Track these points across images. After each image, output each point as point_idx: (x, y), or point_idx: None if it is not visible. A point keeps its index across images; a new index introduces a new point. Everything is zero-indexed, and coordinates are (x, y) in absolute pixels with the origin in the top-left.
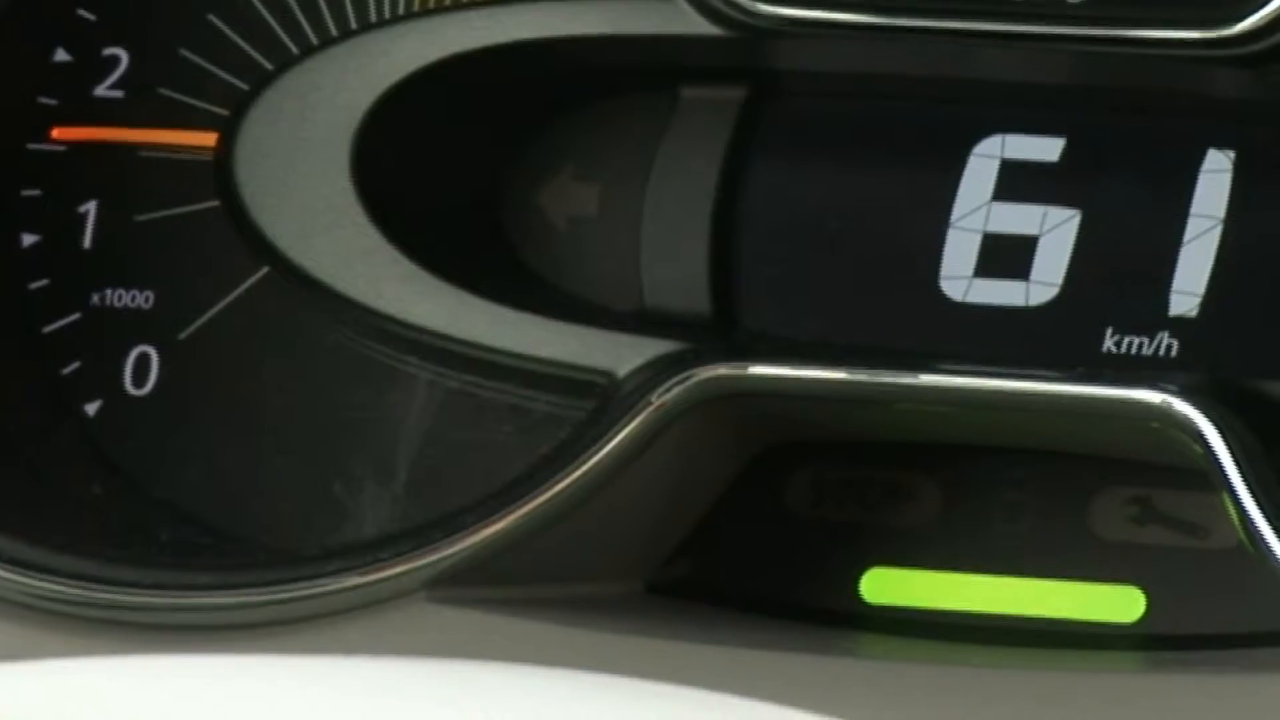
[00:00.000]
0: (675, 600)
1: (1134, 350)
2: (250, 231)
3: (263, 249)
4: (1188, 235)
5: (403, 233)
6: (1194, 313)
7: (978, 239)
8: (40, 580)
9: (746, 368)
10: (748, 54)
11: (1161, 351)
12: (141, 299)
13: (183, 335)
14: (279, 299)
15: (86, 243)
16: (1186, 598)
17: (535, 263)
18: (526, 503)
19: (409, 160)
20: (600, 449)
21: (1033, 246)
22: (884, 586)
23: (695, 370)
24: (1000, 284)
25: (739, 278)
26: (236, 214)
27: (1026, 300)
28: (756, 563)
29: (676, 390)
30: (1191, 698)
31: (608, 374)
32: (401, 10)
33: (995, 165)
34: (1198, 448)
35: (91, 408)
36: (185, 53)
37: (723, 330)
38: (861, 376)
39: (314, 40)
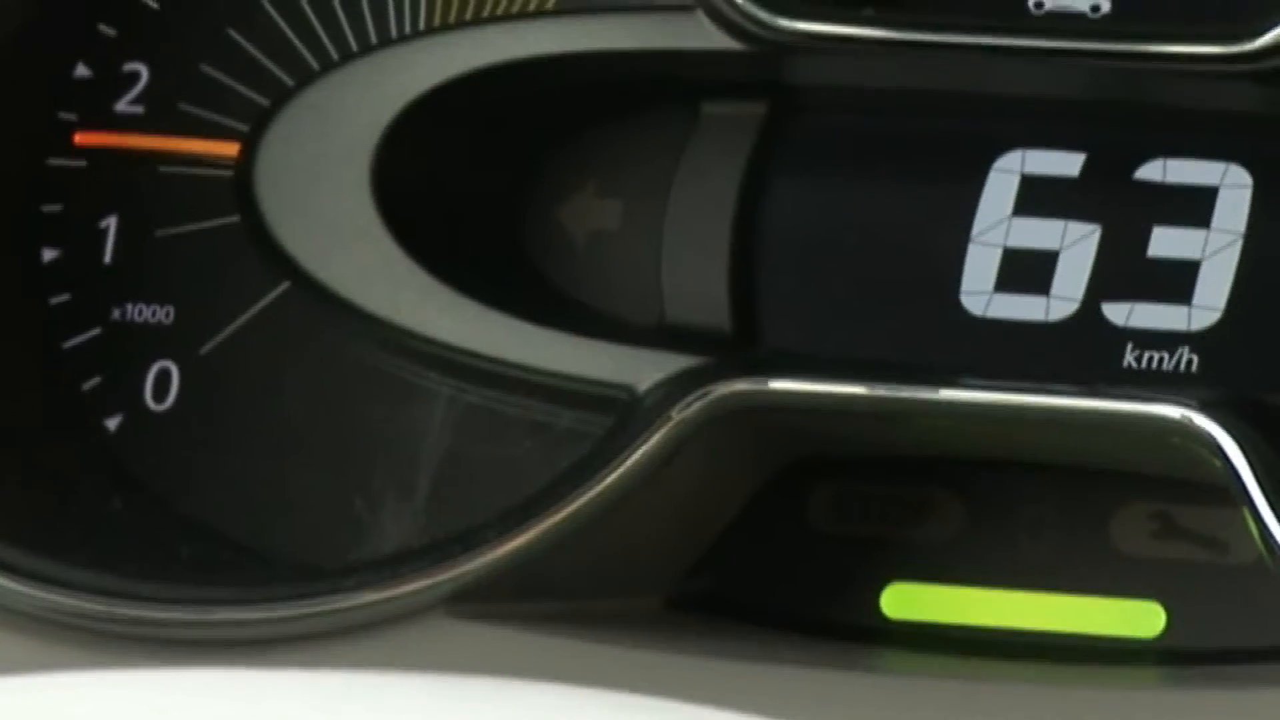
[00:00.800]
0: (695, 616)
1: (1154, 365)
2: (270, 247)
3: (283, 264)
4: (1208, 250)
5: (423, 248)
6: (1214, 328)
7: (998, 254)
8: (62, 596)
9: (767, 383)
10: (769, 69)
11: (1182, 366)
12: (162, 314)
13: (203, 350)
14: (299, 314)
15: (107, 258)
16: (1207, 613)
17: (556, 278)
18: (547, 518)
19: (429, 175)
20: (621, 464)
21: (1053, 261)
22: (906, 601)
23: (716, 385)
24: (1021, 299)
25: (760, 293)
26: (257, 229)
27: (1047, 315)
28: (777, 578)
29: (697, 405)
30: (1212, 713)
31: (628, 389)
32: (422, 25)
33: (1016, 180)
34: (1218, 462)
35: (112, 423)
36: (206, 68)
37: (743, 345)
38: (882, 391)
39: (335, 56)
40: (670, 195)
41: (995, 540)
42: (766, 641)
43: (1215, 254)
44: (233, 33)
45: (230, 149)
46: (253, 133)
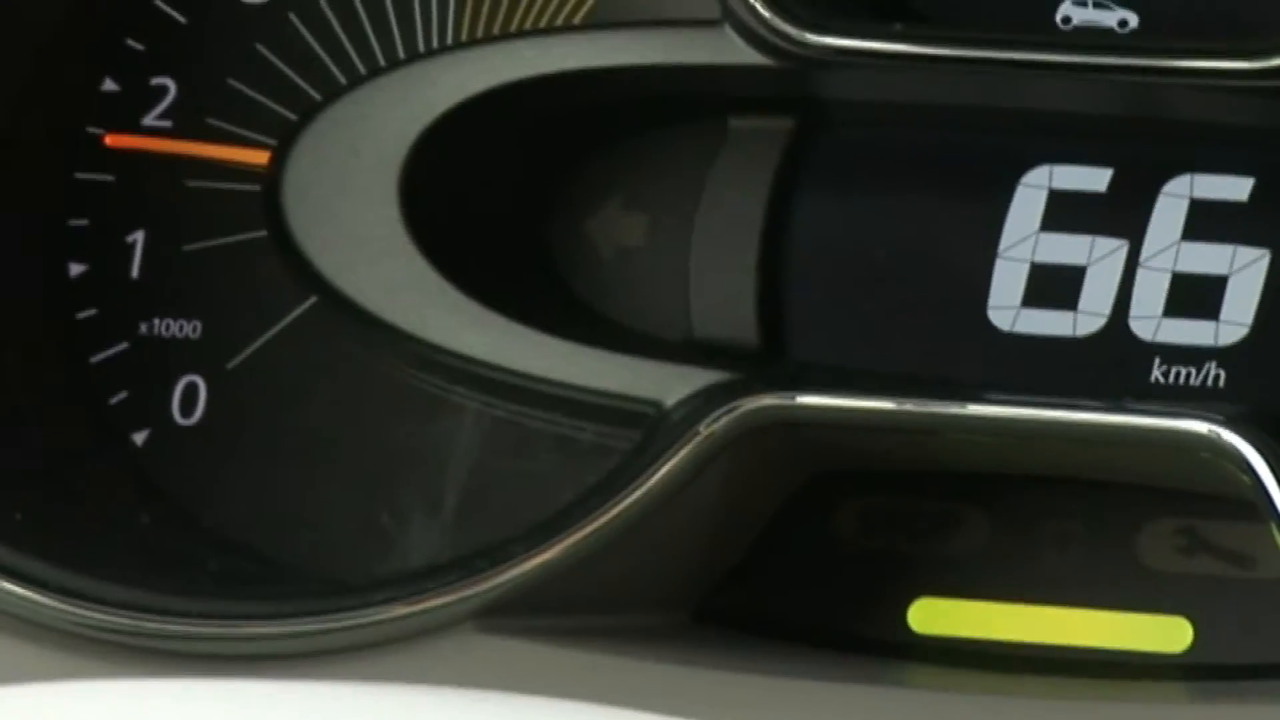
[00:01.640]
0: (722, 630)
1: (1181, 380)
2: (298, 261)
3: (310, 279)
4: (1235, 265)
5: (450, 262)
6: (1241, 343)
7: (1025, 269)
8: (89, 609)
9: (794, 397)
10: (796, 84)
11: (1209, 382)
12: (189, 329)
13: (231, 365)
14: (326, 329)
15: (135, 272)
16: (1234, 628)
17: (583, 292)
18: (574, 533)
19: (456, 190)
20: (648, 479)
21: (1080, 276)
22: (932, 616)
23: (743, 400)
24: (1048, 314)
25: (787, 308)
26: (284, 244)
27: (1074, 330)
28: (804, 593)
29: (724, 420)
30: None
31: (655, 404)
32: (450, 40)
33: (1043, 195)
34: (1246, 478)
35: (140, 437)
36: (233, 83)
37: (770, 360)
38: (909, 406)
39: (362, 70)
40: (698, 210)
41: (1022, 555)
42: (793, 656)
43: (1242, 269)
44: (260, 47)
45: (260, 157)
46: (280, 147)
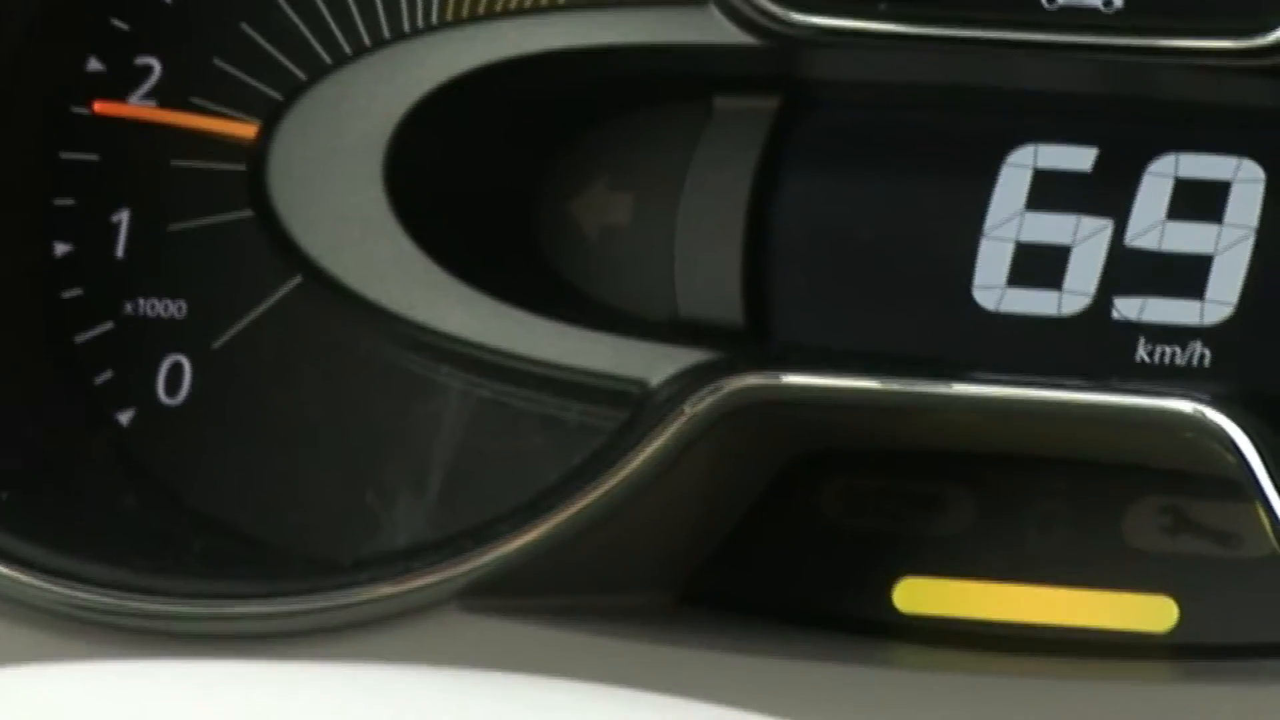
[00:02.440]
0: (708, 610)
1: (1166, 360)
2: (283, 241)
3: (295, 258)
4: (1220, 245)
5: (435, 242)
6: (1226, 322)
7: (1010, 248)
8: (74, 589)
9: (779, 377)
10: (781, 63)
11: (1194, 361)
12: (174, 308)
13: (215, 345)
14: (311, 308)
15: (119, 252)
16: (1219, 607)
17: (568, 272)
18: (559, 512)
19: (442, 169)
20: (633, 458)
21: (1066, 256)
22: (918, 596)
23: (728, 379)
24: (1033, 293)
25: (772, 287)
26: (269, 223)
27: (1059, 310)
28: (789, 572)
29: (709, 399)
30: (1225, 708)
31: (640, 383)
32: (435, 19)
33: (1028, 174)
34: (1231, 457)
35: (124, 417)
36: (219, 62)
37: (756, 339)
38: (894, 386)
39: (347, 50)
40: (683, 190)
41: (1007, 535)
42: (779, 636)
43: (1228, 249)
44: (245, 26)
45: (247, 130)
46: (265, 127)
